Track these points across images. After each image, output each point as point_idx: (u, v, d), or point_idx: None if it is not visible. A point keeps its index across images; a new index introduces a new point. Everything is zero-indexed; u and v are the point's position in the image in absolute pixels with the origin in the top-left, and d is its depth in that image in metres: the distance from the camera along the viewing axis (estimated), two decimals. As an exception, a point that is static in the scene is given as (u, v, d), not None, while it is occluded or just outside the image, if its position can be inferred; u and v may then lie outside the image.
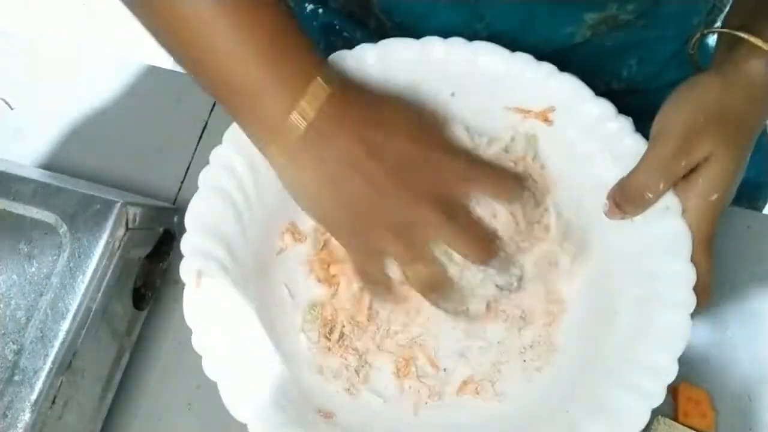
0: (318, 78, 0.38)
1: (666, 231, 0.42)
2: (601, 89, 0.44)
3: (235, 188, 0.44)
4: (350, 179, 0.38)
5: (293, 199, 0.41)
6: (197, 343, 0.40)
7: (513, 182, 0.43)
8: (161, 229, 0.48)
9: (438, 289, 0.42)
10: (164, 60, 0.45)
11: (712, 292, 0.50)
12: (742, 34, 0.43)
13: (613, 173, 0.43)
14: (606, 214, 0.44)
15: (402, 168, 0.39)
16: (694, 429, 0.45)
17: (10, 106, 0.57)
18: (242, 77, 0.38)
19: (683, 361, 0.48)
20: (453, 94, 0.46)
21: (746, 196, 0.61)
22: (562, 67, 0.45)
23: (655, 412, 0.45)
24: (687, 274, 0.40)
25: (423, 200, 0.39)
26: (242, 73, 0.38)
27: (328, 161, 0.38)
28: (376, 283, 0.42)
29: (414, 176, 0.39)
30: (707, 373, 0.48)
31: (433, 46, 0.45)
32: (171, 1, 0.38)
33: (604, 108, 0.44)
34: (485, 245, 0.41)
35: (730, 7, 0.50)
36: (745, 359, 0.48)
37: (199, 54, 0.39)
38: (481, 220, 0.42)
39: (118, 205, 0.43)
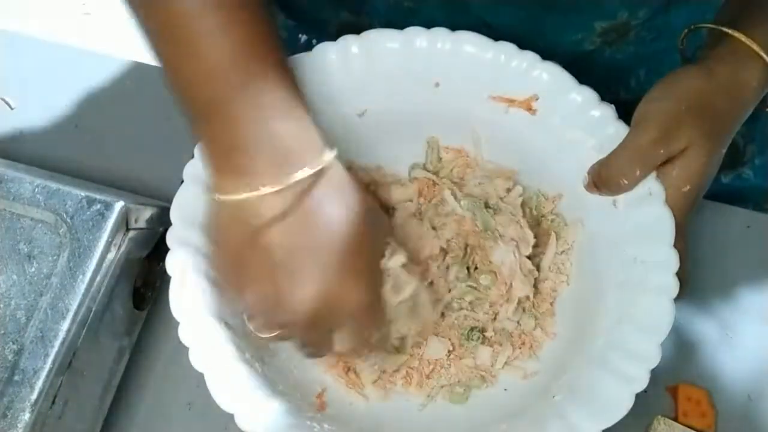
0: (306, 169, 0.36)
1: (649, 216, 0.42)
2: (609, 100, 0.44)
3: None
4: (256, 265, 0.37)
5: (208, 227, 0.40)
6: (184, 334, 0.40)
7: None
8: (161, 229, 0.48)
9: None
10: (164, 60, 0.45)
11: (713, 291, 0.50)
12: (728, 30, 0.43)
13: (596, 161, 0.44)
14: (585, 187, 0.44)
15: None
16: (694, 429, 0.45)
17: (10, 106, 0.57)
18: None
19: (683, 361, 0.48)
20: (437, 85, 0.46)
21: (752, 199, 0.61)
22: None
23: (656, 412, 0.46)
24: (670, 260, 0.40)
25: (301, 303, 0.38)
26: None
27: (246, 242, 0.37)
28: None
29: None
30: (707, 373, 0.48)
31: (416, 36, 0.45)
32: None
33: (587, 96, 0.44)
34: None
35: (722, 3, 0.50)
36: (745, 359, 0.48)
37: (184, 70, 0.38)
38: None
39: (118, 205, 0.43)
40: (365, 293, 0.39)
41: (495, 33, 0.46)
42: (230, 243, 0.38)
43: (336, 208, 0.38)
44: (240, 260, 0.38)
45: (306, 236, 0.37)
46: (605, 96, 0.45)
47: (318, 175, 0.37)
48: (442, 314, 0.47)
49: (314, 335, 0.39)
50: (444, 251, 0.47)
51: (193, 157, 0.44)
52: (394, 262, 0.41)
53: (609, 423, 0.38)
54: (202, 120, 0.38)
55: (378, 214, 0.43)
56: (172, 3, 0.37)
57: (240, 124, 0.37)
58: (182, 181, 0.44)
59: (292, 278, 0.37)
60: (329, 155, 0.38)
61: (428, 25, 0.46)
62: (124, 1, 0.39)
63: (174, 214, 0.43)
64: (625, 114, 0.44)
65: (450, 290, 0.47)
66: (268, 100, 0.37)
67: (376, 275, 0.41)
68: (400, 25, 0.46)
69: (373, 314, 0.41)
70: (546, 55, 0.45)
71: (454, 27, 0.46)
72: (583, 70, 0.45)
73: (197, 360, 0.39)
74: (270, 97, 0.37)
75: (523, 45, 0.45)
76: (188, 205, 0.43)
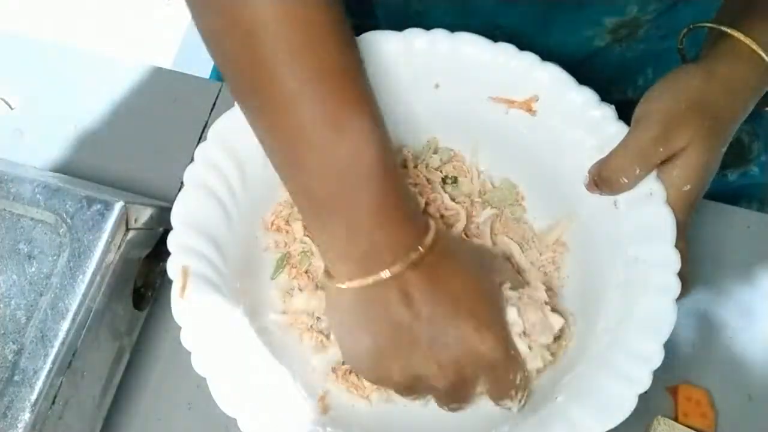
0: (419, 248, 0.38)
1: (650, 216, 0.42)
2: (617, 98, 0.44)
3: (220, 185, 0.44)
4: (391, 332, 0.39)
5: (330, 321, 0.43)
6: (186, 339, 0.40)
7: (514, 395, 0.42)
8: (161, 229, 0.48)
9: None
10: (164, 60, 0.45)
11: (713, 291, 0.50)
12: (727, 29, 0.43)
13: (596, 160, 0.44)
14: (585, 187, 0.44)
15: (439, 334, 0.39)
16: (694, 429, 0.45)
17: (10, 106, 0.57)
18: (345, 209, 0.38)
19: (683, 361, 0.48)
20: (437, 86, 0.46)
21: (758, 196, 0.61)
22: (581, 76, 0.45)
23: (656, 412, 0.46)
24: (671, 260, 0.40)
25: (442, 371, 0.39)
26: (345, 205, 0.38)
27: (381, 320, 0.39)
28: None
29: (447, 350, 0.39)
30: (707, 373, 0.48)
31: (416, 37, 0.45)
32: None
33: (587, 96, 0.44)
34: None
35: (722, 3, 0.50)
36: (745, 359, 0.48)
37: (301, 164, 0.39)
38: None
39: (118, 205, 0.43)
40: (500, 341, 0.40)
41: (505, 34, 0.45)
42: (362, 326, 0.39)
43: (453, 271, 0.40)
44: (377, 341, 0.39)
45: (434, 304, 0.38)
46: (613, 95, 0.44)
47: (430, 248, 0.39)
48: None
49: (461, 393, 0.40)
50: None
51: (192, 161, 0.44)
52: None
53: (613, 424, 0.38)
54: (318, 219, 0.40)
55: (492, 258, 0.45)
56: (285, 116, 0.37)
57: (355, 225, 0.38)
58: (182, 183, 0.44)
59: (431, 346, 0.38)
60: (433, 230, 0.40)
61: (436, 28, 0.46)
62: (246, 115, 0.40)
63: (175, 219, 0.42)
64: (631, 113, 0.44)
65: None
66: (376, 201, 0.38)
67: (504, 322, 0.41)
68: (408, 28, 0.45)
69: (512, 359, 0.41)
70: (556, 53, 0.45)
71: (463, 30, 0.45)
72: (592, 68, 0.45)
73: (199, 365, 0.39)
74: (381, 197, 0.38)
75: (533, 45, 0.45)
76: (189, 209, 0.43)
